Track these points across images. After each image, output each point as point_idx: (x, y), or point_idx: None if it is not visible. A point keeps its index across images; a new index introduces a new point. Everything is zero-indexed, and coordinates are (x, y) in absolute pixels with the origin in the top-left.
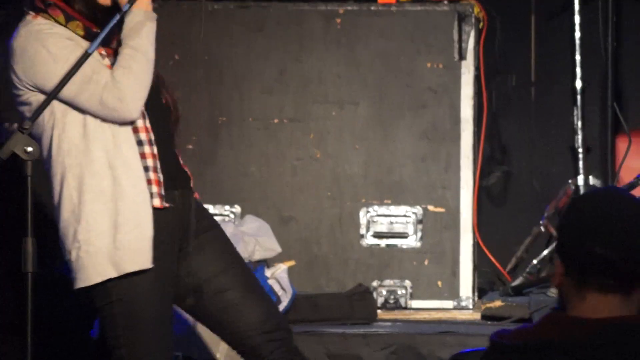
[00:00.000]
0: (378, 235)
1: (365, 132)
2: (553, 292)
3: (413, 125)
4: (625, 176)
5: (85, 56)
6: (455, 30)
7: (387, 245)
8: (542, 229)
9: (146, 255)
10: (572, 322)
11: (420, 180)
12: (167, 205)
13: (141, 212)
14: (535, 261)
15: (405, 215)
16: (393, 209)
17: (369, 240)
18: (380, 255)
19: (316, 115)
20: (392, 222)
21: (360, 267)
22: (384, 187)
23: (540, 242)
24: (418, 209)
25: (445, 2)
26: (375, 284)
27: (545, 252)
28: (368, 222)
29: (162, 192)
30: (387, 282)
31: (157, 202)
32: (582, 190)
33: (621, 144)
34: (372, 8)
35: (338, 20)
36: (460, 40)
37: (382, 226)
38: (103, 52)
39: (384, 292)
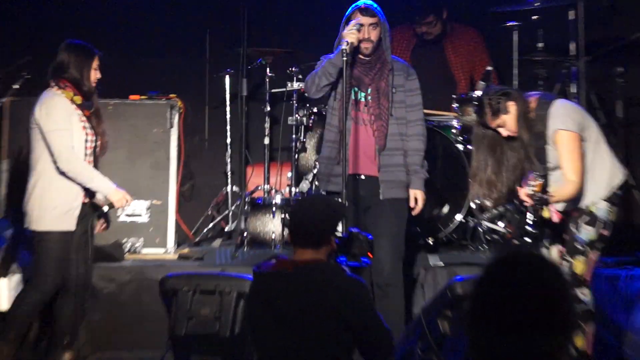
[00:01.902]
0: (129, 215)
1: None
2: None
3: (149, 159)
4: (251, 187)
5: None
6: (168, 113)
7: (131, 221)
8: (210, 212)
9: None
10: (291, 262)
11: (151, 186)
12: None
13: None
14: (205, 230)
15: (141, 204)
16: (136, 202)
17: (123, 218)
18: (130, 226)
19: None
20: (135, 208)
21: (122, 233)
22: (132, 190)
23: (209, 218)
24: (148, 202)
25: (163, 99)
26: (124, 240)
27: (211, 224)
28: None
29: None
30: (132, 239)
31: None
32: (229, 194)
33: (249, 170)
34: (127, 102)
35: (109, 108)
36: (170, 118)
37: (130, 210)
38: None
39: (129, 245)
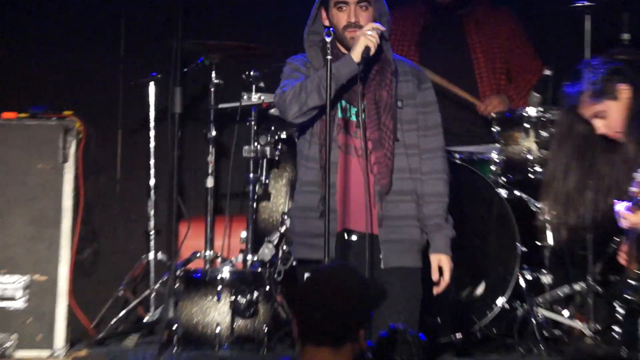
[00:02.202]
0: None
1: None
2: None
3: (29, 211)
4: (185, 253)
5: None
6: (60, 140)
7: None
8: (121, 292)
9: None
10: None
11: (31, 253)
12: None
13: None
14: (114, 320)
15: (15, 282)
16: (7, 278)
17: None
18: None
19: None
20: (5, 288)
21: None
22: (0, 260)
23: (120, 302)
24: (26, 278)
25: (53, 118)
26: None
27: (123, 312)
28: None
29: None
30: (1, 336)
31: None
32: (152, 265)
33: (182, 228)
34: None
35: None
36: (63, 147)
37: None
38: None
39: None
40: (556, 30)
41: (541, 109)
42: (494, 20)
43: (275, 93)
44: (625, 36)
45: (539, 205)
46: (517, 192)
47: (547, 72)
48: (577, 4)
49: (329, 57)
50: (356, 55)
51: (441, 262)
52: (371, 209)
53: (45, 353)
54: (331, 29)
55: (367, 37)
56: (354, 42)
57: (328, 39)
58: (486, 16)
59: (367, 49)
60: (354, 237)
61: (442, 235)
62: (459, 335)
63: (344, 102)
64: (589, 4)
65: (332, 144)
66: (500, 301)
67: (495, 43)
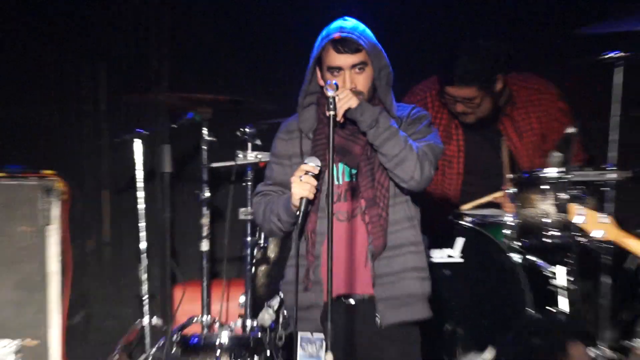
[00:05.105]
0: None
1: None
2: None
3: (14, 275)
4: (181, 318)
5: None
6: (40, 200)
7: None
8: (117, 357)
9: None
10: None
11: (20, 318)
12: None
13: None
14: None
15: (7, 347)
16: None
17: None
18: None
19: None
20: None
21: None
22: None
23: None
24: (16, 342)
25: (33, 177)
26: None
27: None
28: None
29: None
30: None
31: None
32: (148, 329)
33: (177, 293)
34: None
35: None
36: (45, 209)
37: None
38: None
39: None
40: (583, 84)
41: (563, 169)
42: (533, 102)
43: (255, 190)
44: None
45: (552, 271)
46: (530, 257)
47: (571, 130)
48: (606, 56)
49: (331, 112)
50: (294, 205)
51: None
52: (363, 268)
53: None
54: (334, 82)
55: (300, 187)
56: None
57: (330, 93)
58: (523, 99)
59: (302, 200)
60: (351, 301)
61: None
62: None
63: (341, 167)
64: (621, 54)
65: (319, 213)
66: None
67: (530, 132)
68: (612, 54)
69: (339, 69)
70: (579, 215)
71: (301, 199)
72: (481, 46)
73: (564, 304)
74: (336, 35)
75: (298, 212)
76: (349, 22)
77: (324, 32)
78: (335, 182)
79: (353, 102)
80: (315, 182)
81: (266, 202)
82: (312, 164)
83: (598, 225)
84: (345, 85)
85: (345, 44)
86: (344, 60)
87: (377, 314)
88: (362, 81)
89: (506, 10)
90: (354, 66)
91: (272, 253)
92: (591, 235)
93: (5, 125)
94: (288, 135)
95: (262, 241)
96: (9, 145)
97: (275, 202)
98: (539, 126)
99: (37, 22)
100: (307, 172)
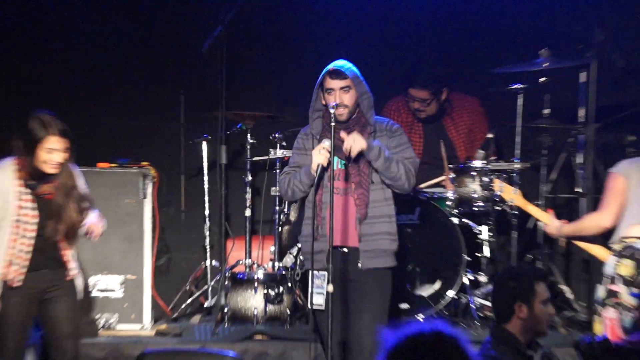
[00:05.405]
0: (102, 290)
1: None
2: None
3: (121, 232)
4: (231, 261)
5: None
6: (140, 182)
7: (104, 296)
8: (188, 287)
9: None
10: None
11: (124, 260)
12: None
13: None
14: (183, 305)
15: (114, 279)
16: (108, 277)
17: (96, 293)
18: (103, 301)
19: None
20: (108, 283)
21: (95, 308)
22: (104, 264)
23: (187, 293)
24: (122, 277)
25: (135, 167)
26: (97, 316)
27: (189, 300)
28: (94, 285)
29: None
30: (106, 314)
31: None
32: (209, 269)
33: (229, 244)
34: (95, 170)
35: None
36: (143, 187)
37: (103, 285)
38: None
39: (103, 321)
40: (498, 103)
41: (485, 162)
42: (466, 112)
43: (282, 171)
44: (546, 111)
45: (479, 229)
46: (464, 220)
47: (490, 136)
48: (512, 87)
49: (332, 123)
50: (313, 169)
51: (355, 137)
52: (354, 230)
53: (137, 327)
54: (334, 103)
55: (319, 156)
56: (312, 159)
57: (332, 111)
58: (460, 111)
59: (319, 165)
60: (345, 249)
61: (377, 146)
62: (421, 316)
63: (336, 158)
64: (521, 86)
65: (319, 187)
66: (451, 293)
67: (465, 132)
68: (515, 85)
69: (332, 90)
70: (500, 186)
71: (318, 165)
72: (435, 67)
73: (486, 251)
74: (331, 68)
75: (315, 175)
76: (341, 62)
77: (325, 68)
78: (342, 168)
79: (364, 145)
80: (328, 155)
81: (290, 176)
82: (327, 143)
83: (511, 195)
84: (336, 100)
85: (336, 74)
86: (335, 84)
87: (359, 261)
88: (348, 98)
89: (447, 51)
90: (341, 88)
91: (292, 217)
92: (507, 202)
93: (119, 133)
94: (305, 136)
95: (286, 209)
96: (120, 145)
97: (297, 173)
98: (469, 122)
99: (144, 64)
100: (323, 148)
